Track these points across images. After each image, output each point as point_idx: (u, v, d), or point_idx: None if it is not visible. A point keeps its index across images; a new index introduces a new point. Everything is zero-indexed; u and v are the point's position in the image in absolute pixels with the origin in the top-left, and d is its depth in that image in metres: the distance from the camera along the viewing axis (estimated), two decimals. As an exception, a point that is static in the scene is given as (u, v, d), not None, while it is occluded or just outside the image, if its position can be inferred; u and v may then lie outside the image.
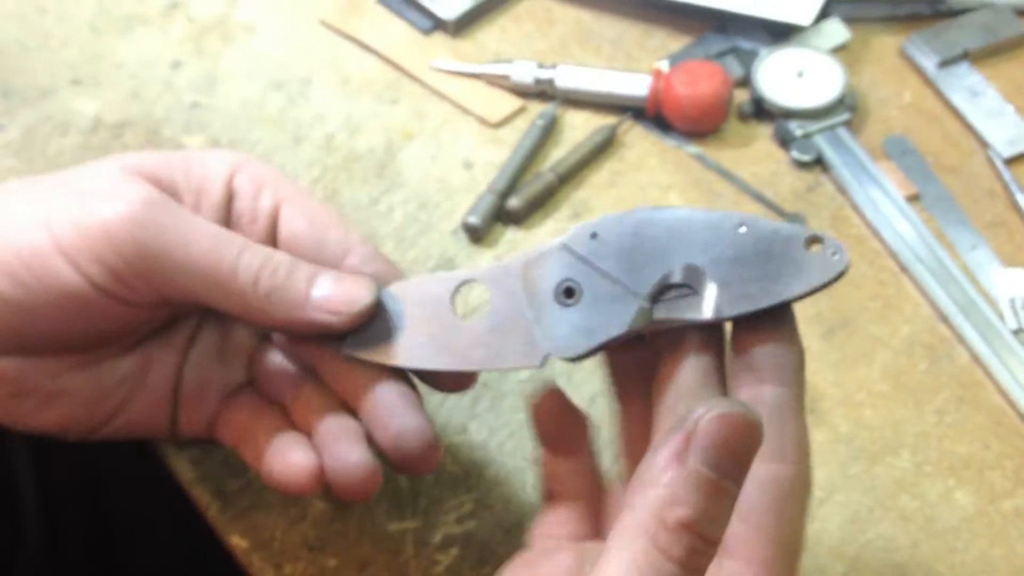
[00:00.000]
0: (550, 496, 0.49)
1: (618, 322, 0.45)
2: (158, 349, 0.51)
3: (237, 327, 0.53)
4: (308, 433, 0.50)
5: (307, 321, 0.48)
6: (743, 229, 0.44)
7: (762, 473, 0.40)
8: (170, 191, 0.49)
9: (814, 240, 0.44)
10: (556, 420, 0.48)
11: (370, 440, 0.49)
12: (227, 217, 0.50)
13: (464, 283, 0.48)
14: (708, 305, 0.44)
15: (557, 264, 0.46)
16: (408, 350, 0.48)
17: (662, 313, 0.44)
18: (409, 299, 0.49)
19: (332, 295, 0.47)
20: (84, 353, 0.49)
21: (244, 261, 0.47)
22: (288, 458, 0.49)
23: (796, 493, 0.41)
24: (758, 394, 0.42)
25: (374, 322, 0.49)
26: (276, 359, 0.52)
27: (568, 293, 0.46)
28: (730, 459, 0.36)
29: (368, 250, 0.50)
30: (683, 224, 0.45)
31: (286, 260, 0.48)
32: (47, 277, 0.45)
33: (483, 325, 0.47)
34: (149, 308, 0.48)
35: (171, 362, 0.52)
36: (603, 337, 0.45)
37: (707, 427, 0.36)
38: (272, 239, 0.51)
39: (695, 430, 0.36)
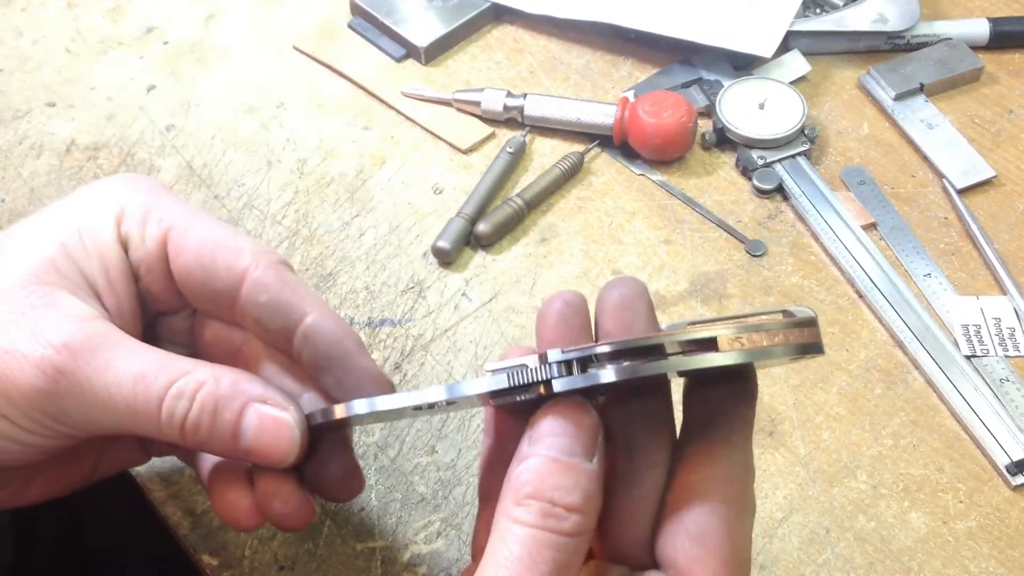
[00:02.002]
0: (486, 497, 0.48)
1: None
2: None
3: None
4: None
5: (246, 460, 0.47)
6: None
7: (713, 495, 0.41)
8: (79, 281, 0.47)
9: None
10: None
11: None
12: (133, 272, 0.49)
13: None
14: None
15: None
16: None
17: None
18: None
19: (257, 446, 0.46)
20: None
21: (165, 420, 0.45)
22: (227, 497, 0.49)
23: (743, 512, 0.42)
24: (711, 419, 0.43)
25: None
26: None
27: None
28: (565, 438, 0.40)
29: (263, 275, 0.48)
30: None
31: (207, 407, 0.45)
32: None
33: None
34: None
35: None
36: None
37: (537, 422, 0.41)
38: (171, 280, 0.50)
39: (533, 431, 0.41)
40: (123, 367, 0.45)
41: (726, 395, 0.43)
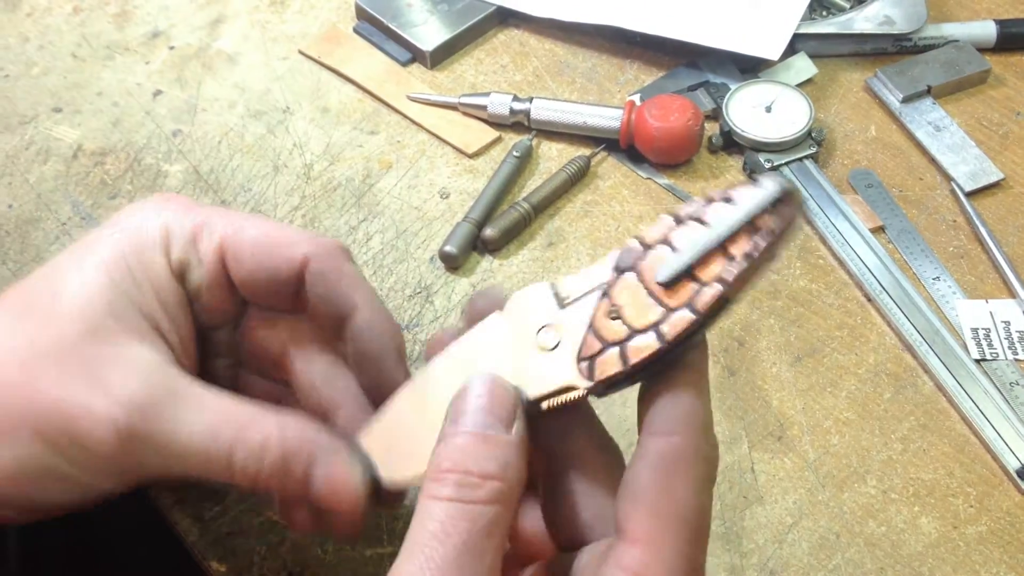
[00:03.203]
0: None
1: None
2: None
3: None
4: None
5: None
6: None
7: (650, 448, 0.40)
8: (140, 324, 0.47)
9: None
10: None
11: None
12: (191, 295, 0.49)
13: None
14: None
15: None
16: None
17: None
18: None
19: (328, 497, 0.46)
20: None
21: (238, 471, 0.45)
22: (293, 516, 0.49)
23: (686, 465, 0.40)
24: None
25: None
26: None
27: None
28: (480, 412, 0.41)
29: (318, 266, 0.48)
30: None
31: (276, 463, 0.46)
32: (56, 487, 0.46)
33: None
34: None
35: None
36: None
37: (455, 400, 0.42)
38: (231, 292, 0.50)
39: (451, 411, 0.42)
40: (194, 421, 0.45)
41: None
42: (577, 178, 0.72)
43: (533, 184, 0.72)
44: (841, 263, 0.68)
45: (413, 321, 0.66)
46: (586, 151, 0.74)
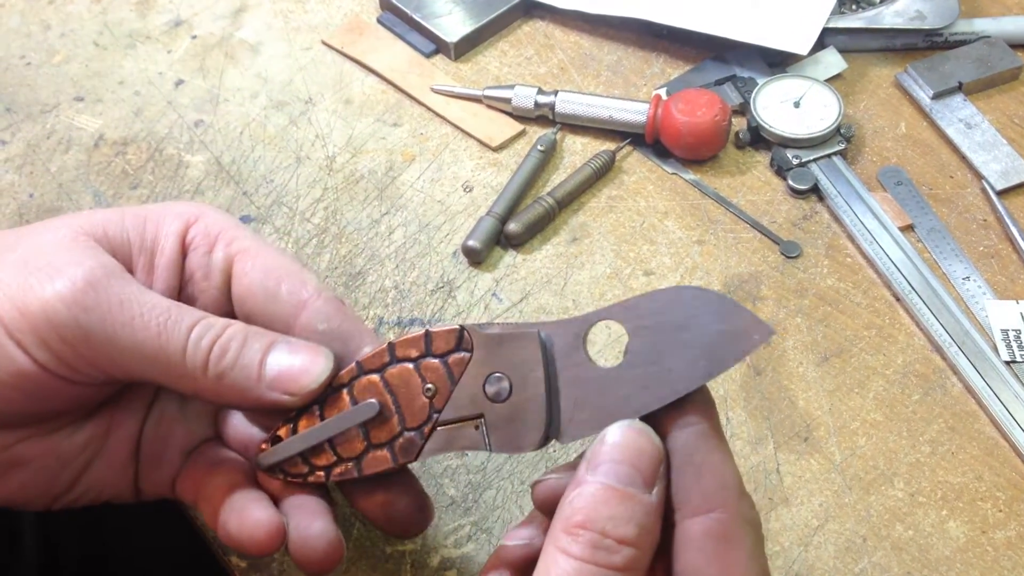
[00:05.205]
0: None
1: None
2: (118, 412, 0.50)
3: None
4: (270, 492, 0.49)
5: (260, 401, 0.46)
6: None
7: (695, 531, 0.40)
8: (123, 251, 0.47)
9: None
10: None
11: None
12: (181, 273, 0.49)
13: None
14: None
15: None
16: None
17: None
18: None
19: (284, 373, 0.46)
20: (40, 424, 0.48)
21: (192, 342, 0.45)
22: (246, 515, 0.47)
23: (737, 538, 0.40)
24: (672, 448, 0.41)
25: None
26: (240, 416, 0.52)
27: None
28: (624, 465, 0.39)
29: (324, 305, 0.48)
30: None
31: (238, 336, 0.46)
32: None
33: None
34: (98, 386, 0.47)
35: (132, 423, 0.51)
36: None
37: (598, 448, 0.40)
38: (226, 294, 0.49)
39: (592, 456, 0.40)
40: (149, 303, 0.45)
41: (678, 415, 0.42)
42: (602, 173, 0.72)
43: (557, 178, 0.72)
44: (869, 262, 0.67)
45: (435, 316, 0.65)
46: (611, 145, 0.73)
